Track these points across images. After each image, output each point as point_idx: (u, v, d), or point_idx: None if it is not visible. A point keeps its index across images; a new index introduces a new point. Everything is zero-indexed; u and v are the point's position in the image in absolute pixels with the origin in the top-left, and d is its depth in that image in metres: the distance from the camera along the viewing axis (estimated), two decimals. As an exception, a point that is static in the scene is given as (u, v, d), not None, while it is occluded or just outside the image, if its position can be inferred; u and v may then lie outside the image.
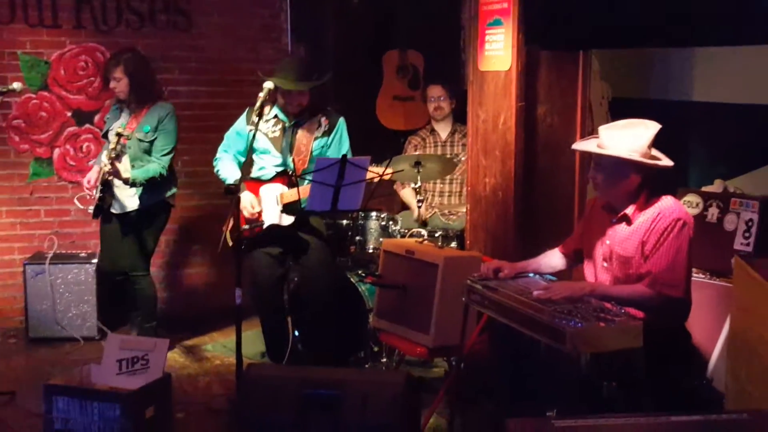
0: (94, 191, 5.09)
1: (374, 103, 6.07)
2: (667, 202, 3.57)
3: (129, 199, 4.95)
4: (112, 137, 4.69)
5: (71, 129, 5.89)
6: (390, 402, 3.66)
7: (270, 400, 3.75)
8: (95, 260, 5.59)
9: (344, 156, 4.05)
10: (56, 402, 4.08)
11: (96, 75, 5.86)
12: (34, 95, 5.76)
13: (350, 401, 3.65)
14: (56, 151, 5.88)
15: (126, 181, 4.85)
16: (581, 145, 3.72)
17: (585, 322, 3.20)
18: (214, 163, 4.87)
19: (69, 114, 5.88)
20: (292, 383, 3.75)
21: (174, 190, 5.18)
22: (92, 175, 5.19)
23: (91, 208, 5.12)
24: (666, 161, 3.55)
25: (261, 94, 4.35)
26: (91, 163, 5.55)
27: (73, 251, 5.81)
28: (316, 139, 4.62)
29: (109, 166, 4.73)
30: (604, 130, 3.56)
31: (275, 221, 4.57)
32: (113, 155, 4.70)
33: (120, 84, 4.96)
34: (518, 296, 3.49)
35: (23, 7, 5.69)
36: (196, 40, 6.01)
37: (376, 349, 4.91)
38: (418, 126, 5.90)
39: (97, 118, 5.90)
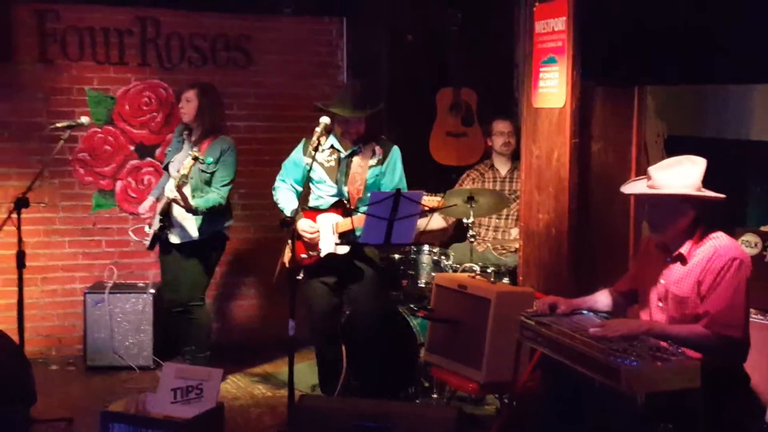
0: (153, 221, 5.22)
1: (427, 139, 6.12)
2: (722, 240, 3.54)
3: (189, 229, 5.06)
4: (187, 161, 4.78)
5: (133, 162, 6.06)
6: (440, 436, 3.67)
7: (322, 430, 3.79)
8: (152, 290, 5.71)
9: (398, 190, 4.09)
10: (113, 429, 4.16)
11: (158, 110, 6.04)
12: (99, 129, 5.95)
13: (400, 434, 3.67)
14: (118, 184, 6.05)
15: (189, 209, 4.95)
16: (631, 188, 3.70)
17: (641, 360, 3.18)
18: (273, 192, 4.96)
19: (132, 148, 6.05)
20: (343, 415, 3.79)
21: (230, 221, 5.28)
22: (146, 204, 5.33)
23: (146, 240, 5.24)
24: (717, 195, 3.53)
25: (318, 129, 4.44)
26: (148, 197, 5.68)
27: (132, 281, 5.95)
28: (370, 167, 4.68)
29: (176, 193, 4.84)
30: (654, 170, 3.56)
31: (331, 250, 4.62)
32: (181, 182, 4.80)
33: (189, 105, 5.10)
34: (573, 333, 3.47)
35: (92, 45, 5.91)
36: (255, 76, 6.17)
37: (426, 384, 4.92)
38: (470, 162, 5.94)
39: (158, 151, 6.06)
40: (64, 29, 5.84)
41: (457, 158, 6.07)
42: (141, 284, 5.83)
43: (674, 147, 4.47)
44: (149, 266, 6.04)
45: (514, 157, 5.70)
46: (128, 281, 5.94)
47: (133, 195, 6.06)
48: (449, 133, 6.09)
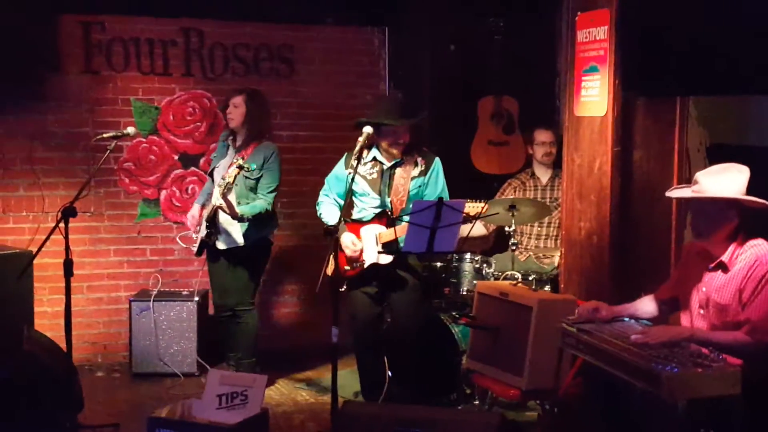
0: (198, 228, 5.31)
1: (468, 148, 6.15)
2: (763, 248, 3.55)
3: (235, 235, 5.13)
4: (231, 170, 4.85)
5: (177, 172, 6.16)
6: (483, 443, 3.70)
7: (365, 436, 3.83)
8: (197, 298, 5.79)
9: (440, 199, 4.13)
10: (159, 434, 4.25)
11: (202, 120, 6.14)
12: (144, 139, 6.06)
13: (443, 440, 3.70)
14: (163, 193, 6.15)
15: (235, 216, 5.02)
16: (677, 193, 3.72)
17: (682, 367, 3.18)
18: (317, 207, 5.02)
19: (176, 157, 6.15)
20: (385, 420, 3.83)
21: (275, 228, 5.35)
22: (194, 212, 5.41)
23: (194, 247, 5.33)
24: (762, 201, 3.54)
25: (360, 138, 4.49)
26: (194, 204, 5.77)
27: (176, 289, 6.03)
28: (413, 179, 4.72)
29: (221, 201, 4.90)
30: (702, 176, 3.58)
31: (374, 260, 4.67)
32: (226, 190, 4.87)
33: (236, 111, 5.17)
34: (614, 340, 3.48)
35: (137, 56, 6.02)
36: (298, 86, 6.25)
37: (468, 391, 4.94)
38: (512, 170, 5.96)
39: (202, 161, 6.16)
40: (109, 40, 5.97)
41: (498, 167, 6.09)
42: (185, 292, 5.91)
43: (717, 155, 4.45)
44: (193, 274, 6.12)
45: (555, 164, 5.72)
46: (172, 289, 6.02)
47: (178, 204, 6.16)
48: (491, 142, 6.12)
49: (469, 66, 6.28)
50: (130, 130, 5.03)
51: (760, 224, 3.61)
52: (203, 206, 5.38)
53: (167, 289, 6.00)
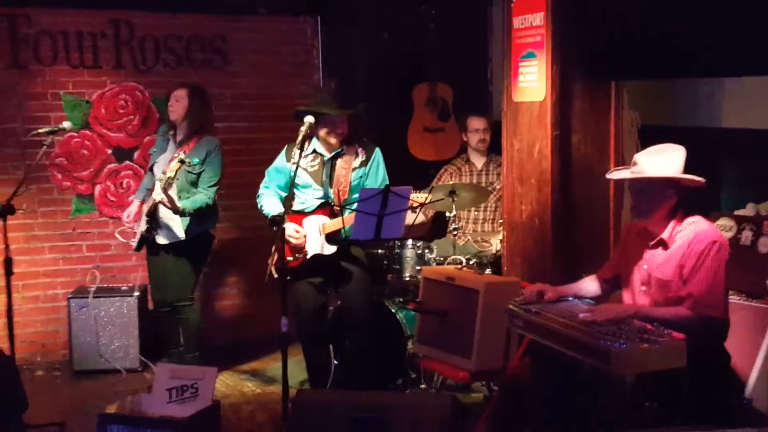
0: (136, 225, 5.25)
1: (405, 135, 6.21)
2: (701, 224, 3.68)
3: (176, 229, 5.08)
4: (173, 165, 4.79)
5: (111, 166, 6.06)
6: (439, 425, 3.77)
7: (321, 424, 3.86)
8: (137, 293, 5.73)
9: (387, 186, 4.18)
10: (111, 431, 4.19)
11: (135, 113, 6.05)
12: (76, 134, 5.94)
13: (399, 425, 3.75)
14: (97, 188, 6.04)
15: (177, 210, 4.98)
16: (617, 175, 3.83)
17: (630, 342, 3.29)
18: (257, 200, 5.00)
19: (109, 151, 6.05)
20: (341, 408, 3.86)
21: (216, 222, 5.32)
22: (132, 209, 5.35)
23: (133, 242, 5.26)
24: (698, 178, 3.67)
25: (302, 128, 4.49)
26: (131, 198, 5.69)
27: (115, 285, 5.95)
28: (354, 169, 4.74)
29: (162, 195, 4.85)
30: (641, 157, 3.69)
31: (318, 251, 4.69)
32: (167, 184, 4.82)
33: (178, 105, 5.11)
34: (561, 319, 3.59)
35: (65, 49, 5.89)
36: (231, 77, 6.20)
37: (414, 375, 5.01)
38: (448, 156, 6.04)
39: (136, 154, 6.08)
40: (36, 34, 5.82)
41: (434, 153, 6.17)
42: (124, 287, 5.85)
43: (649, 136, 4.60)
44: (131, 269, 6.07)
45: (489, 150, 5.83)
46: (111, 285, 5.95)
47: (113, 198, 6.06)
48: (426, 129, 6.19)
49: (403, 54, 6.33)
50: (67, 124, 4.94)
51: (696, 201, 3.76)
52: (143, 201, 5.31)
53: (106, 285, 5.92)
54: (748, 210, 4.58)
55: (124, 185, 6.07)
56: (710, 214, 4.34)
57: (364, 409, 3.82)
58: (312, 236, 4.71)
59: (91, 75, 5.96)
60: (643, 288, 3.79)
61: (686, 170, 3.66)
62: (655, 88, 5.12)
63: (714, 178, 4.76)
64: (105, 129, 6.02)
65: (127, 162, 6.08)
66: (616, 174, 3.86)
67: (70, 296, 5.72)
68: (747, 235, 4.43)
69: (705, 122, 4.94)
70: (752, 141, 4.70)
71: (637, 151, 4.96)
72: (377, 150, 4.80)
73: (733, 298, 4.15)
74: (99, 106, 5.99)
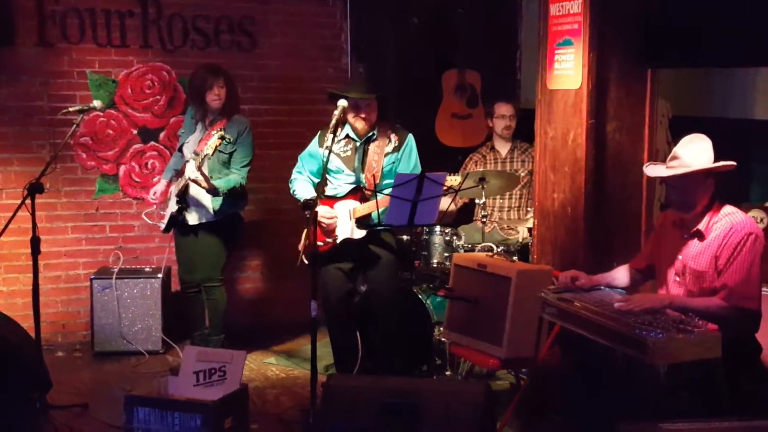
0: (164, 205, 5.23)
1: (433, 121, 6.18)
2: (738, 216, 3.66)
3: (207, 209, 5.07)
4: (212, 141, 4.75)
5: (137, 146, 6.03)
6: (471, 412, 3.75)
7: (351, 408, 3.85)
8: (160, 275, 5.72)
9: (423, 172, 4.16)
10: (137, 413, 4.19)
11: (162, 93, 6.02)
12: (101, 113, 5.90)
13: (431, 410, 3.74)
14: (122, 168, 6.02)
15: (212, 188, 4.96)
16: (662, 171, 3.71)
17: (666, 332, 3.28)
18: (290, 185, 4.99)
19: (135, 132, 6.02)
20: (372, 393, 3.85)
21: (246, 204, 5.30)
22: (159, 188, 5.32)
23: (162, 223, 5.25)
24: (731, 163, 3.64)
25: (336, 112, 4.48)
26: (157, 178, 5.67)
27: (137, 266, 5.94)
28: (386, 155, 4.74)
29: (197, 173, 4.83)
30: (681, 150, 3.64)
31: (348, 235, 4.68)
32: (202, 162, 4.80)
33: (222, 93, 5.07)
34: (596, 308, 3.57)
35: (92, 27, 5.85)
36: (259, 59, 6.16)
37: (439, 362, 5.00)
38: (476, 143, 6.02)
39: (162, 135, 6.05)
40: (63, 11, 5.78)
41: (462, 140, 6.14)
42: (148, 269, 5.84)
43: (679, 127, 4.58)
44: (154, 251, 6.06)
45: (513, 137, 5.81)
46: (134, 266, 5.93)
47: (137, 179, 6.04)
48: (454, 115, 6.15)
49: (432, 39, 6.29)
50: (97, 103, 4.92)
51: (726, 192, 3.74)
52: (170, 182, 5.29)
53: (129, 266, 5.90)
54: (779, 202, 4.57)
55: (149, 166, 6.05)
56: (741, 206, 4.31)
57: (395, 395, 3.80)
58: (342, 220, 4.70)
59: (118, 54, 5.93)
60: (678, 278, 3.77)
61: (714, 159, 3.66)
62: (687, 78, 5.09)
63: (744, 170, 4.75)
64: (131, 109, 5.99)
65: (153, 143, 6.05)
66: (660, 170, 3.72)
67: (92, 277, 5.70)
68: (778, 227, 4.41)
69: (736, 113, 4.92)
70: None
71: (668, 141, 4.99)
72: (410, 136, 4.79)
73: (763, 290, 4.14)
74: (125, 86, 5.96)
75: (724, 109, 4.97)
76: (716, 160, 3.63)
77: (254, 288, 6.41)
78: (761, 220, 4.44)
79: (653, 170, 3.77)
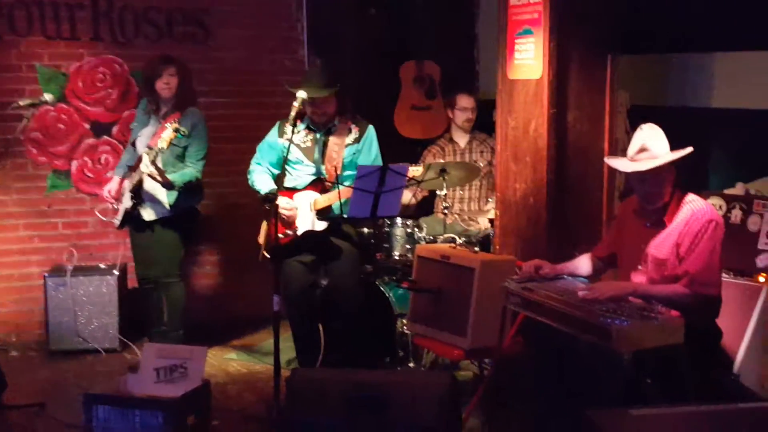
0: (118, 201, 5.13)
1: (392, 113, 6.16)
2: (698, 203, 3.70)
3: (162, 204, 4.99)
4: (166, 134, 4.67)
5: (89, 141, 5.91)
6: (437, 403, 3.73)
7: (316, 403, 3.80)
8: (116, 271, 5.62)
9: (386, 164, 4.13)
10: (96, 411, 4.09)
11: (114, 87, 5.90)
12: (52, 107, 5.75)
13: (397, 402, 3.72)
14: (74, 164, 5.89)
15: (167, 183, 4.88)
16: (635, 165, 3.66)
17: (630, 320, 3.30)
18: (248, 176, 4.93)
19: (87, 126, 5.90)
20: (338, 386, 3.80)
21: (202, 198, 5.23)
22: (113, 186, 5.22)
23: (116, 219, 5.15)
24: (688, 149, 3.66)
25: (295, 104, 4.42)
26: (110, 174, 5.57)
27: (92, 263, 5.82)
28: (347, 146, 4.71)
29: (151, 168, 4.75)
30: (649, 142, 3.65)
31: (309, 227, 4.64)
32: (158, 154, 4.71)
33: (172, 82, 5.00)
34: (560, 297, 3.58)
35: (41, 20, 5.71)
36: (214, 52, 6.07)
37: (401, 353, 4.98)
38: (435, 135, 6.00)
39: (115, 129, 5.93)
40: (11, 3, 5.63)
41: (422, 131, 6.13)
42: (103, 266, 5.72)
43: (637, 117, 4.61)
44: (109, 248, 5.94)
45: (472, 128, 5.81)
46: (89, 263, 5.81)
47: (90, 175, 5.92)
48: (414, 107, 6.14)
49: (390, 30, 6.26)
50: (48, 97, 4.81)
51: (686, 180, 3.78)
52: (123, 177, 5.19)
53: (83, 264, 5.78)
54: (738, 189, 4.63)
55: (102, 161, 5.93)
56: (699, 193, 4.37)
57: (361, 388, 3.77)
58: (303, 212, 4.65)
59: (68, 47, 5.79)
60: (640, 266, 3.80)
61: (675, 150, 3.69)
62: (645, 68, 5.14)
63: (703, 158, 4.81)
64: (82, 103, 5.86)
65: (105, 137, 5.93)
66: (633, 165, 3.66)
67: (46, 275, 5.58)
68: (736, 214, 4.48)
69: (694, 102, 4.97)
70: (741, 121, 4.75)
71: (626, 131, 5.02)
72: (371, 127, 4.77)
73: (723, 276, 4.19)
74: (76, 79, 5.83)
75: (681, 98, 5.01)
76: (672, 148, 3.67)
77: (212, 283, 6.33)
78: (720, 207, 4.50)
79: (625, 165, 3.73)
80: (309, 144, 4.73)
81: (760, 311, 4.14)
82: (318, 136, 4.72)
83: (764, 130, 4.63)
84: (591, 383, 3.59)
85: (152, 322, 5.35)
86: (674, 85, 5.06)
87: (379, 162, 4.71)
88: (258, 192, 4.82)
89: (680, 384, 3.56)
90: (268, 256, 4.65)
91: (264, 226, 4.78)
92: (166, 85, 4.99)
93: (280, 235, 4.65)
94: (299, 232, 4.69)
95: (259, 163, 4.89)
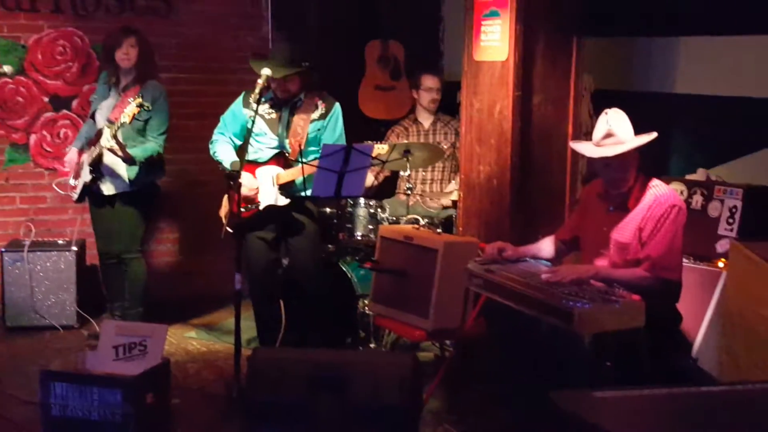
0: (77, 174, 5.04)
1: (356, 92, 6.12)
2: (661, 189, 3.73)
3: (122, 179, 4.92)
4: (129, 109, 4.60)
5: (48, 115, 5.81)
6: (398, 383, 3.73)
7: (278, 382, 3.78)
8: (74, 247, 5.53)
9: (350, 143, 4.10)
10: (54, 388, 4.03)
11: (74, 60, 5.79)
12: (10, 80, 5.64)
13: (359, 383, 3.71)
14: (32, 137, 5.79)
15: (128, 158, 4.80)
16: (602, 151, 3.67)
17: (592, 303, 3.33)
18: (210, 146, 4.86)
19: (46, 99, 5.79)
20: (300, 366, 3.79)
21: (163, 173, 5.16)
22: (71, 157, 5.13)
23: (74, 193, 5.07)
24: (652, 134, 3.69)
25: (260, 81, 4.37)
26: (69, 148, 5.47)
27: (50, 239, 5.73)
28: (312, 121, 4.66)
29: (112, 142, 4.68)
30: (615, 126, 3.66)
31: (271, 202, 4.60)
32: (118, 130, 4.64)
33: (131, 52, 4.92)
34: (523, 279, 3.60)
35: (0, -10, 5.58)
36: (176, 26, 5.97)
37: (363, 335, 4.98)
38: (399, 115, 5.98)
39: (74, 103, 5.83)
40: (-32, -27, 5.52)
41: (386, 111, 6.10)
42: (61, 241, 5.63)
43: (601, 101, 4.64)
44: (67, 223, 5.85)
45: (437, 110, 5.79)
46: (47, 239, 5.72)
47: (49, 149, 5.82)
48: (378, 87, 6.11)
49: (355, 8, 6.21)
50: (7, 68, 4.74)
51: (647, 166, 3.81)
52: (81, 150, 5.10)
53: (41, 239, 5.68)
54: (699, 175, 4.68)
55: (62, 135, 5.82)
56: (661, 178, 4.41)
57: (323, 368, 3.76)
58: (266, 187, 4.62)
59: (27, 18, 5.67)
60: (602, 250, 3.83)
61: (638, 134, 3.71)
62: (609, 52, 5.16)
63: (665, 144, 4.85)
64: (42, 76, 5.75)
65: (65, 111, 5.82)
66: (600, 150, 3.67)
67: (3, 250, 5.48)
68: (697, 200, 4.53)
69: (657, 87, 5.01)
70: (703, 107, 4.80)
71: (590, 115, 5.05)
72: (337, 105, 4.73)
73: (683, 261, 4.24)
74: (35, 52, 5.71)
75: (645, 83, 5.05)
76: (635, 133, 3.69)
77: (173, 260, 6.27)
78: (681, 192, 4.55)
79: (591, 150, 3.74)
80: (274, 116, 4.69)
81: (719, 296, 4.20)
82: (282, 110, 4.68)
83: (726, 116, 4.70)
84: (552, 365, 3.61)
85: (113, 297, 5.29)
86: (638, 69, 5.10)
87: (343, 141, 4.68)
88: (220, 163, 4.77)
89: (639, 367, 3.61)
90: (231, 231, 4.59)
91: (225, 199, 4.73)
92: (125, 55, 4.91)
93: (241, 209, 4.62)
94: (261, 207, 4.65)
95: (222, 133, 4.84)
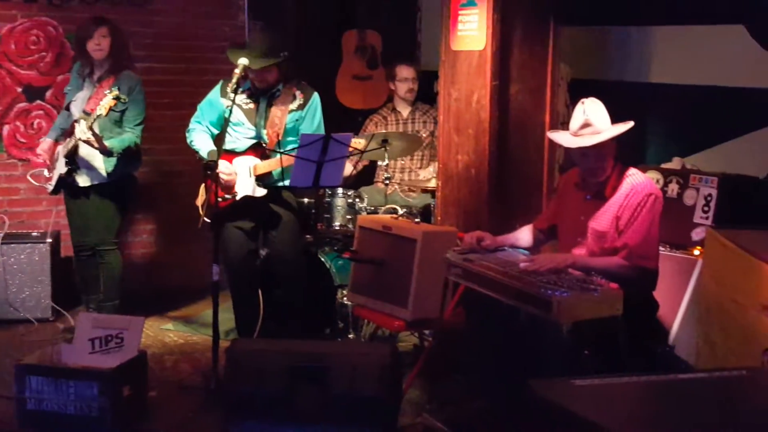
0: (51, 165, 4.99)
1: (333, 82, 6.10)
2: (638, 177, 3.75)
3: (98, 170, 4.87)
4: (105, 101, 4.56)
5: (21, 105, 5.74)
6: (378, 373, 3.73)
7: (257, 373, 3.77)
8: (49, 239, 5.48)
9: (329, 133, 4.08)
10: (29, 382, 4.00)
11: (48, 50, 5.73)
12: (-18, 70, 5.58)
13: (338, 373, 3.71)
14: (6, 128, 5.72)
15: (104, 150, 4.76)
16: (580, 141, 3.68)
17: (570, 291, 3.33)
18: (187, 134, 4.82)
19: (19, 90, 5.73)
20: (280, 357, 3.78)
21: (140, 164, 5.12)
22: (44, 147, 5.07)
23: (49, 185, 5.02)
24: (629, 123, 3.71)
25: (237, 71, 4.35)
26: (42, 140, 5.40)
27: (24, 230, 5.67)
28: (290, 112, 4.64)
29: (89, 134, 4.63)
30: (592, 116, 3.66)
31: (249, 193, 4.58)
32: (94, 122, 4.59)
33: (105, 41, 4.86)
34: (501, 268, 3.60)
35: (-28, -22, 5.51)
36: (152, 15, 5.92)
37: (341, 325, 4.97)
38: (377, 105, 5.97)
39: (48, 94, 5.77)
40: (-62, -39, 5.43)
41: (363, 101, 6.08)
42: (36, 233, 5.57)
43: (578, 90, 4.65)
44: (41, 215, 5.79)
45: (415, 99, 5.79)
46: (21, 231, 5.65)
47: (22, 140, 5.75)
48: (355, 76, 6.09)
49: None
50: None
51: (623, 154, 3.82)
52: (56, 141, 5.05)
53: (15, 231, 5.61)
54: (674, 163, 4.71)
55: (35, 126, 5.76)
56: (637, 167, 4.43)
57: (302, 359, 3.75)
58: (242, 177, 4.59)
59: (0, 8, 5.59)
60: (580, 239, 3.84)
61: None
62: (585, 42, 5.18)
63: (641, 132, 4.87)
64: (15, 66, 5.68)
65: (39, 101, 5.76)
66: (577, 140, 3.68)
67: (-24, 242, 5.43)
68: (673, 188, 4.56)
69: (633, 77, 5.04)
70: (679, 96, 4.83)
71: (566, 104, 5.06)
72: (315, 95, 4.71)
73: (661, 250, 4.27)
74: (8, 42, 5.64)
75: (621, 73, 5.07)
76: (611, 122, 3.70)
77: (149, 252, 6.23)
78: (657, 181, 4.58)
79: (568, 140, 3.75)
80: (251, 106, 4.66)
81: (695, 284, 4.23)
82: (260, 100, 4.65)
83: (702, 105, 4.73)
84: (531, 354, 3.62)
85: (89, 290, 5.24)
86: (614, 59, 5.12)
87: (322, 131, 4.66)
88: (197, 152, 4.73)
89: (617, 355, 3.63)
90: (208, 220, 4.56)
91: (202, 188, 4.70)
92: (97, 46, 4.86)
93: (218, 199, 4.59)
94: (238, 197, 4.62)
95: (199, 122, 4.80)
